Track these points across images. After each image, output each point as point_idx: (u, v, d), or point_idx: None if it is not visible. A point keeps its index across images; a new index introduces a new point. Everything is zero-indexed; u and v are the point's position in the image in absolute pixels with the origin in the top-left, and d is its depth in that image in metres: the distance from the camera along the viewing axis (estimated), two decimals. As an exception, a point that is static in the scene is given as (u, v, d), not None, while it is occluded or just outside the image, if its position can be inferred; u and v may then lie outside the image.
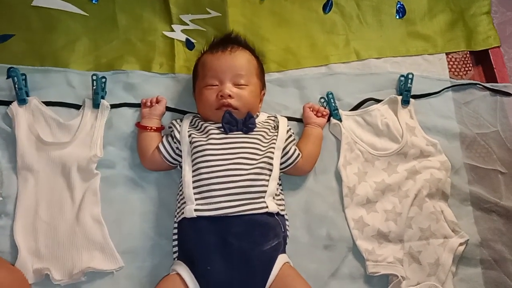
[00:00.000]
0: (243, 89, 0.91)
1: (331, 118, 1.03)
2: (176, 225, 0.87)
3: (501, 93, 1.13)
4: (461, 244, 0.94)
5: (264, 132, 0.92)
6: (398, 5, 1.16)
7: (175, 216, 0.88)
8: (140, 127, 0.96)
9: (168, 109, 1.01)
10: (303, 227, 0.95)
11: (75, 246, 0.87)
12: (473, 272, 0.94)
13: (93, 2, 1.05)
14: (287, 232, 0.89)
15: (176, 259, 0.85)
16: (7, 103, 0.97)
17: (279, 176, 0.91)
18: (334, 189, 0.98)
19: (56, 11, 1.04)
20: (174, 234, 0.87)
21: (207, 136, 0.88)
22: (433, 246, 0.93)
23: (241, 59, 0.93)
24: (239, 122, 0.89)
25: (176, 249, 0.86)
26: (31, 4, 1.03)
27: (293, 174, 0.96)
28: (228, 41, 0.96)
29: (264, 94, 1.00)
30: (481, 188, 1.01)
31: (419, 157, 1.01)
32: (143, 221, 0.92)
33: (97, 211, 0.91)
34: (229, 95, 0.89)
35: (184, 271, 0.80)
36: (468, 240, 0.95)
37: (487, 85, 1.13)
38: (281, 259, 0.82)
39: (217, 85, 0.91)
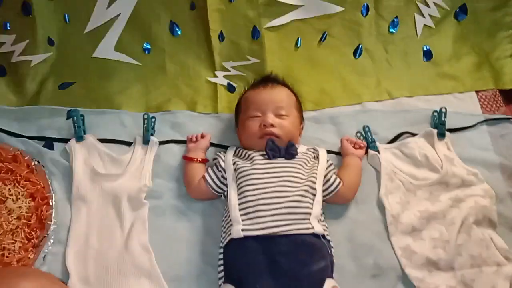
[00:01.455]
0: (284, 119, 0.97)
1: (369, 150, 1.06)
2: (221, 250, 0.88)
3: (536, 127, 1.15)
4: (516, 272, 0.90)
5: (306, 159, 0.96)
6: (425, 49, 1.24)
7: (221, 241, 0.89)
8: (186, 159, 1.01)
9: (211, 145, 1.07)
10: (349, 256, 0.93)
11: (123, 273, 0.89)
12: (533, 302, 0.89)
13: (146, 53, 1.17)
14: (333, 258, 0.88)
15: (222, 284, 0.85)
16: (66, 141, 1.05)
17: (322, 206, 0.93)
18: (377, 218, 0.98)
19: (113, 62, 1.16)
20: (220, 259, 0.88)
21: (252, 162, 0.92)
22: (487, 274, 0.90)
23: (281, 93, 1.00)
24: (282, 150, 0.94)
25: (221, 274, 0.86)
26: (92, 56, 1.15)
27: (335, 203, 0.97)
28: (268, 80, 1.05)
29: (303, 127, 1.06)
30: (529, 216, 0.99)
31: (461, 186, 1.01)
32: (189, 249, 0.94)
33: (145, 239, 0.93)
34: (272, 124, 0.95)
35: (232, 291, 0.79)
36: (523, 268, 0.91)
37: (521, 120, 1.16)
38: (329, 283, 0.81)
39: (259, 116, 0.97)
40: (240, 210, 0.86)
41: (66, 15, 1.13)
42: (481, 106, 1.19)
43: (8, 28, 1.14)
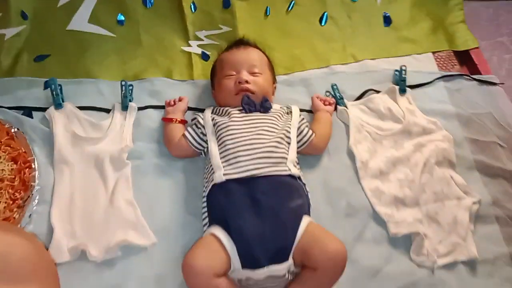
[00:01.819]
0: (257, 76, 1.03)
1: (338, 106, 1.14)
2: (204, 199, 0.93)
3: (487, 83, 1.26)
4: (474, 203, 0.99)
5: (280, 114, 1.02)
6: (385, 15, 1.33)
7: (204, 191, 0.94)
8: (166, 120, 1.05)
9: (189, 109, 1.11)
10: (324, 200, 1.00)
11: (109, 226, 0.91)
12: (491, 229, 0.99)
13: (120, 24, 1.20)
14: (309, 200, 0.94)
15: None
16: (45, 110, 1.07)
17: (297, 157, 0.99)
18: (348, 165, 1.05)
19: (87, 34, 1.18)
20: (203, 208, 0.92)
21: (229, 117, 0.98)
22: (449, 207, 0.99)
23: (253, 53, 1.06)
24: (257, 104, 1.00)
25: (205, 221, 0.91)
26: (66, 29, 1.17)
27: (309, 153, 1.04)
28: (241, 42, 1.10)
29: (275, 87, 1.12)
30: (484, 157, 1.09)
31: (422, 134, 1.10)
32: (173, 203, 0.98)
33: (130, 194, 0.96)
34: (246, 81, 1.00)
35: (218, 230, 0.84)
36: (480, 199, 1.00)
37: (474, 76, 1.26)
38: (307, 218, 0.87)
39: (234, 75, 1.03)
40: (221, 158, 0.91)
41: (38, -12, 1.15)
42: (438, 65, 1.29)
43: (-20, 3, 1.14)
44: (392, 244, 0.95)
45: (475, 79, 1.25)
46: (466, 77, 1.26)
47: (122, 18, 1.20)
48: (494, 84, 1.26)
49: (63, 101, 1.08)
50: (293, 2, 1.28)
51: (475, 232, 0.98)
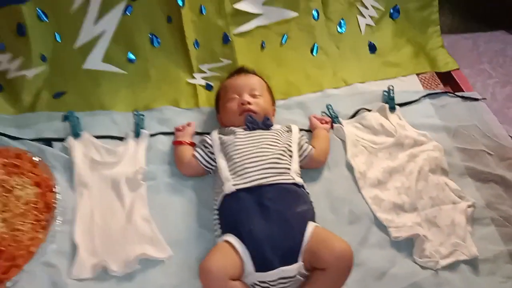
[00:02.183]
0: (258, 98, 1.13)
1: (334, 124, 1.23)
2: (216, 212, 0.99)
3: (470, 99, 1.36)
4: (469, 207, 1.06)
5: (280, 131, 1.11)
6: (369, 44, 1.46)
7: (215, 204, 1.00)
8: (176, 143, 1.14)
9: (196, 133, 1.20)
10: (328, 209, 1.07)
11: (127, 241, 0.97)
12: (488, 230, 1.05)
13: (131, 62, 1.32)
14: (313, 208, 1.00)
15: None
16: (64, 140, 1.15)
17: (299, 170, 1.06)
18: (348, 176, 1.13)
19: (101, 72, 1.29)
20: (215, 220, 0.98)
21: (235, 135, 1.07)
22: (445, 210, 1.05)
23: (254, 78, 1.18)
24: (259, 123, 1.09)
25: (217, 233, 0.96)
26: (82, 68, 1.29)
27: (310, 167, 1.12)
28: (241, 70, 1.22)
29: (275, 110, 1.22)
30: (474, 163, 1.17)
31: (414, 145, 1.19)
32: (186, 218, 1.04)
33: (145, 211, 1.03)
34: (248, 102, 1.10)
35: (230, 237, 0.90)
36: (475, 202, 1.07)
37: (457, 93, 1.37)
38: (311, 224, 0.93)
39: (237, 97, 1.13)
40: (229, 170, 0.99)
41: (56, 34, 1.27)
42: (422, 85, 1.40)
43: (4, 48, 1.26)
44: (395, 247, 1.01)
45: (458, 96, 1.36)
46: (450, 94, 1.36)
47: (133, 57, 1.32)
48: (476, 100, 1.36)
49: (80, 131, 1.17)
50: (285, 36, 1.41)
51: (473, 234, 1.04)
